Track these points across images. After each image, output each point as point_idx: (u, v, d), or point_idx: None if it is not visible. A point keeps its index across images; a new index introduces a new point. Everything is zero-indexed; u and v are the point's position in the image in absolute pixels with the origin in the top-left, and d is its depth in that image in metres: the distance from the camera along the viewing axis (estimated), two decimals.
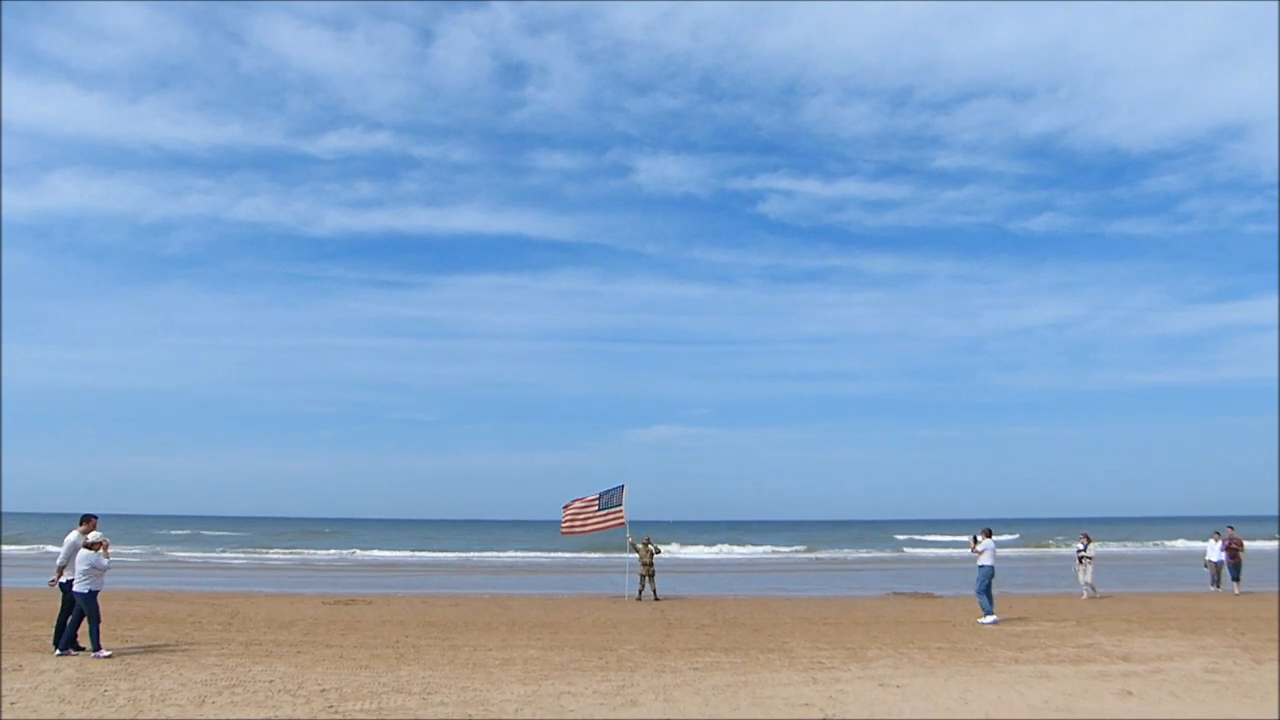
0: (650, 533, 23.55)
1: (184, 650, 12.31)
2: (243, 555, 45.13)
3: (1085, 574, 21.12)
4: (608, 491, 21.86)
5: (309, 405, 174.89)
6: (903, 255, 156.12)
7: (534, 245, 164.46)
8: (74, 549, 11.88)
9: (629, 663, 11.54)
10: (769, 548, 58.59)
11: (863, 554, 53.71)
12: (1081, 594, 20.72)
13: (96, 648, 11.50)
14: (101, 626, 11.93)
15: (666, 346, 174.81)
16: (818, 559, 48.51)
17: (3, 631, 13.80)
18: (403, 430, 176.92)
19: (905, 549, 61.22)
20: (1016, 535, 71.81)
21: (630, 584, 22.06)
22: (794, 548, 59.78)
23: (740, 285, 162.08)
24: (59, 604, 12.16)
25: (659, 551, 21.99)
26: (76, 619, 11.69)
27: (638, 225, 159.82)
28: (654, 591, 21.31)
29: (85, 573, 11.61)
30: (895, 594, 23.52)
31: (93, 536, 11.70)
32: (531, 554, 52.67)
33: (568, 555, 48.91)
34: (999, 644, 13.37)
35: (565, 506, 22.17)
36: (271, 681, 10.01)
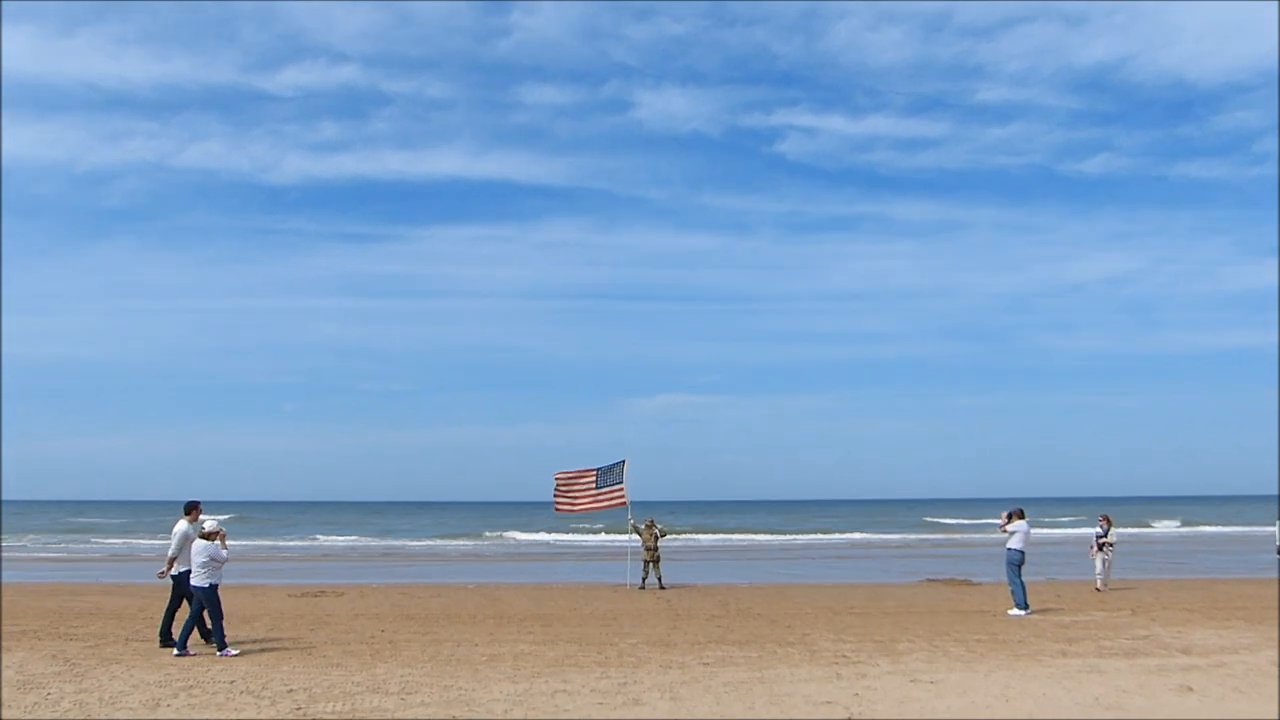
0: (654, 513, 23.60)
1: (134, 649, 12.41)
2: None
3: (1100, 562, 20.67)
4: (607, 468, 21.88)
5: (269, 375, 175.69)
6: (939, 201, 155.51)
7: (522, 191, 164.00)
8: (186, 539, 12.30)
9: (631, 658, 11.62)
10: (788, 532, 59.02)
11: (893, 537, 53.97)
12: (1097, 584, 20.46)
13: (222, 646, 11.83)
14: (46, 626, 12.20)
15: (672, 305, 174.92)
16: (842, 542, 48.81)
17: None
18: (376, 402, 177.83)
19: (940, 531, 61.55)
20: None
21: (632, 571, 22.17)
22: (815, 530, 60.23)
23: (755, 235, 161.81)
24: (168, 597, 12.71)
25: (664, 534, 22.11)
26: (196, 613, 12.03)
27: (639, 168, 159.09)
28: (659, 579, 21.45)
29: (205, 565, 11.87)
30: (929, 581, 23.76)
31: (209, 525, 12.04)
32: (521, 536, 52.97)
33: (562, 539, 49.31)
34: (1045, 636, 13.47)
35: (556, 478, 22.06)
36: (233, 682, 10.10)
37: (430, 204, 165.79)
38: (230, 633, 12.85)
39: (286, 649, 12.38)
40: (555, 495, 22.11)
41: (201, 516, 12.47)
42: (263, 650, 12.28)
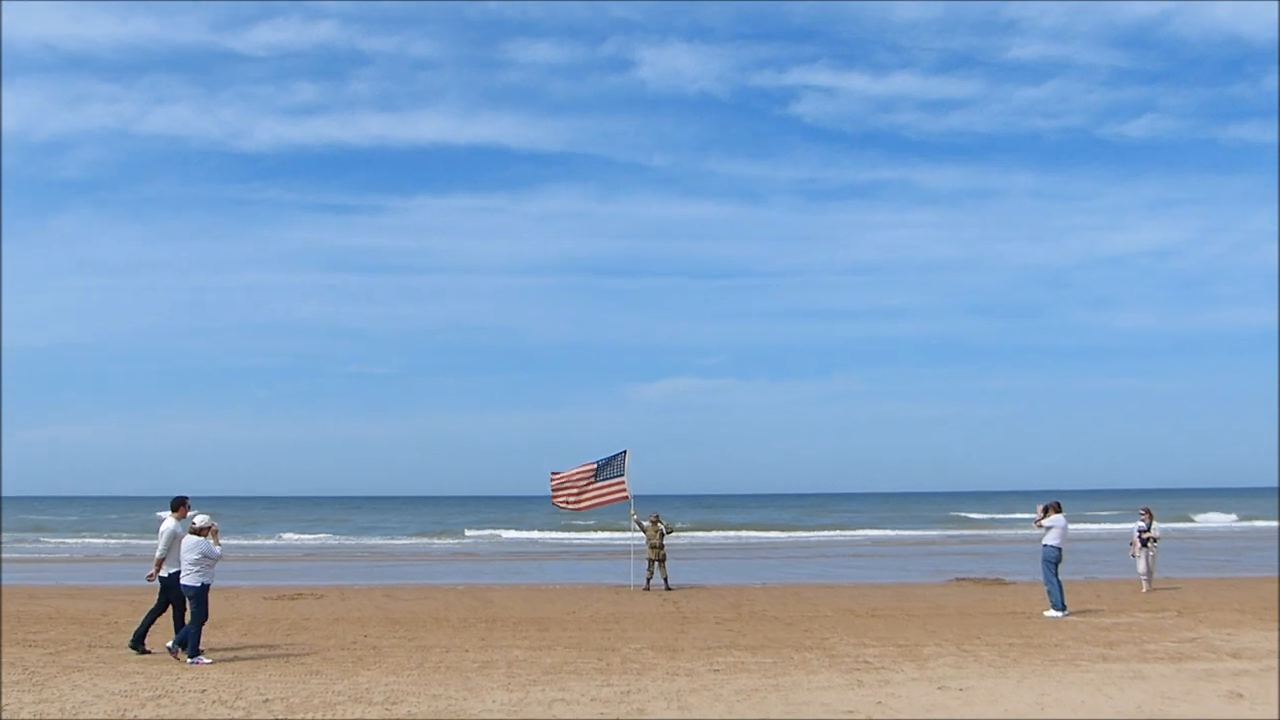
0: (659, 508, 23.72)
1: (99, 655, 12.45)
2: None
3: (1145, 560, 20.55)
4: (606, 460, 21.94)
5: (241, 358, 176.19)
6: (969, 166, 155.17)
7: (514, 158, 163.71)
8: (174, 538, 12.43)
9: (635, 664, 11.68)
10: (804, 528, 59.04)
11: (918, 533, 54.24)
12: (1142, 586, 20.44)
13: (195, 653, 11.87)
14: (3, 632, 12.29)
15: (677, 280, 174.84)
16: (863, 539, 48.94)
17: None
18: (356, 387, 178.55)
19: (969, 526, 61.75)
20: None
21: (635, 571, 22.28)
22: (833, 526, 60.37)
23: (768, 204, 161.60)
24: (154, 600, 12.81)
25: (670, 531, 22.20)
26: (197, 615, 12.05)
27: (642, 131, 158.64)
28: (665, 579, 21.55)
29: (196, 563, 11.95)
30: (958, 580, 23.99)
31: (200, 519, 12.11)
32: (515, 533, 53.25)
33: (560, 537, 49.50)
34: (1084, 639, 13.55)
35: (552, 475, 22.33)
36: (204, 691, 10.13)
37: (415, 172, 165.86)
38: (202, 639, 12.85)
39: (262, 656, 12.43)
40: (553, 490, 22.26)
41: (190, 511, 12.59)
42: (236, 658, 12.32)
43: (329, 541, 50.36)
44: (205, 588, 12.03)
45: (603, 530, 51.66)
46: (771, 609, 17.48)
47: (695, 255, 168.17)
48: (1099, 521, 62.00)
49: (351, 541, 50.13)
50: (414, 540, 51.01)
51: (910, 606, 17.75)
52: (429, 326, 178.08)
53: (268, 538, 52.29)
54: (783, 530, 57.05)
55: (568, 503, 22.13)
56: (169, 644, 12.13)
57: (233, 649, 13.04)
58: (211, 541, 12.10)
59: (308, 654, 12.59)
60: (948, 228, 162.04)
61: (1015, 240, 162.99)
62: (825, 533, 55.31)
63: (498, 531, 56.44)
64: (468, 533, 56.15)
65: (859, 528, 59.37)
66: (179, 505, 12.75)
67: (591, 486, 21.94)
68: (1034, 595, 18.80)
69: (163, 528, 12.60)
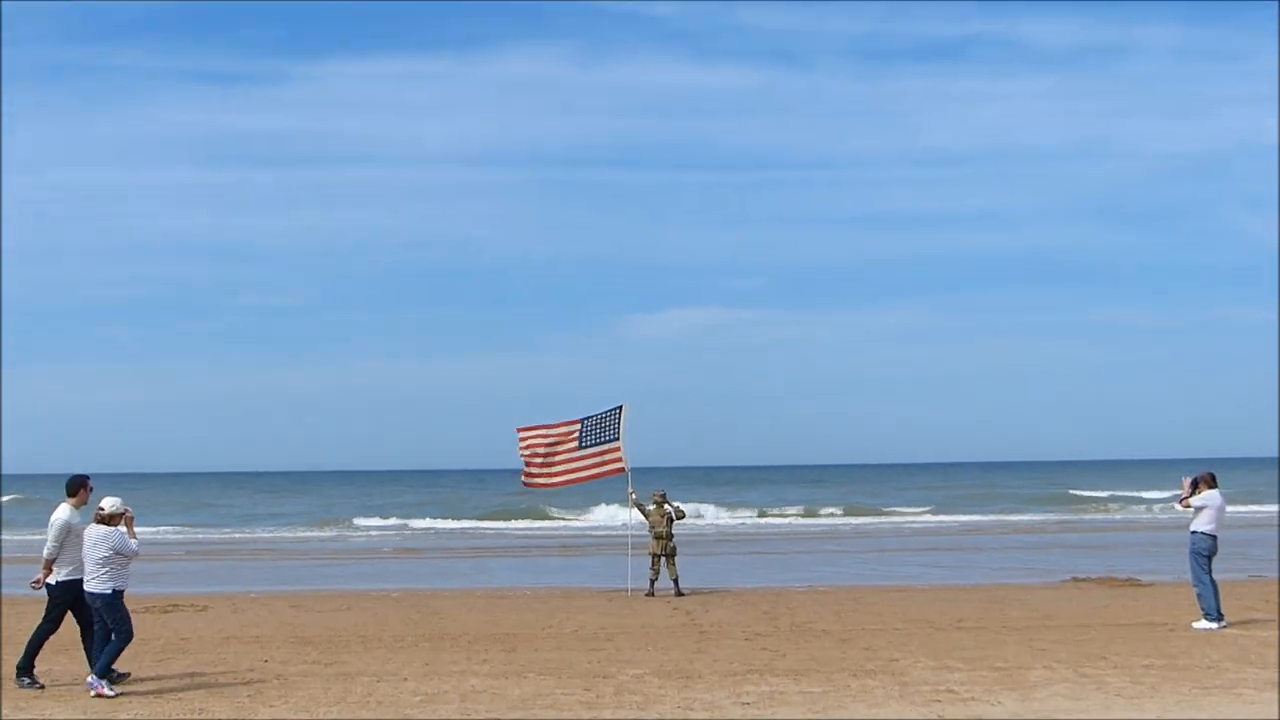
0: (666, 485, 23.58)
1: None
2: None
3: None
4: (596, 419, 22.00)
5: (92, 289, 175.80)
6: (1090, 16, 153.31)
7: (462, 5, 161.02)
8: (67, 531, 12.53)
9: (635, 697, 11.67)
10: (862, 511, 59.55)
11: (1017, 518, 54.57)
12: None
13: (105, 673, 12.05)
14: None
15: (689, 175, 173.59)
16: (942, 525, 49.49)
17: None
18: (250, 324, 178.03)
19: (1087, 508, 62.42)
20: None
21: (635, 570, 22.23)
22: (901, 507, 61.40)
23: (812, 68, 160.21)
24: (40, 614, 12.99)
25: (681, 515, 22.27)
26: (102, 632, 12.27)
27: None
28: (675, 581, 21.70)
29: (105, 562, 12.04)
30: (1075, 580, 24.11)
31: (110, 504, 12.20)
32: (469, 521, 53.84)
33: (531, 524, 50.04)
34: (1247, 659, 13.58)
35: (521, 435, 22.37)
36: None
37: (327, 25, 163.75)
38: (42, 665, 12.92)
39: (126, 692, 12.32)
40: (524, 457, 22.24)
41: (94, 498, 12.68)
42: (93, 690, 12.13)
43: (211, 535, 50.52)
44: (118, 595, 12.15)
45: (590, 514, 51.91)
46: (820, 620, 17.57)
47: (713, 140, 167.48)
48: (1264, 501, 62.25)
49: (243, 533, 50.34)
50: (329, 531, 51.19)
51: (1009, 616, 17.87)
52: (347, 242, 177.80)
53: (157, 523, 52.38)
54: (833, 513, 57.47)
55: (541, 477, 22.26)
56: (89, 677, 12.19)
57: (82, 681, 12.78)
58: (125, 533, 12.21)
59: (188, 688, 12.54)
60: (1059, 100, 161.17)
61: (1152, 117, 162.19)
62: (889, 517, 55.93)
63: (444, 518, 56.96)
64: (403, 521, 56.61)
65: (934, 510, 59.84)
66: (77, 487, 12.80)
67: (575, 455, 21.96)
68: (1178, 599, 18.86)
69: (54, 518, 12.65)
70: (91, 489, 12.89)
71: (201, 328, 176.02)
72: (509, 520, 54.04)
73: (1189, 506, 16.76)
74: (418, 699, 11.69)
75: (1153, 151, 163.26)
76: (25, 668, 12.78)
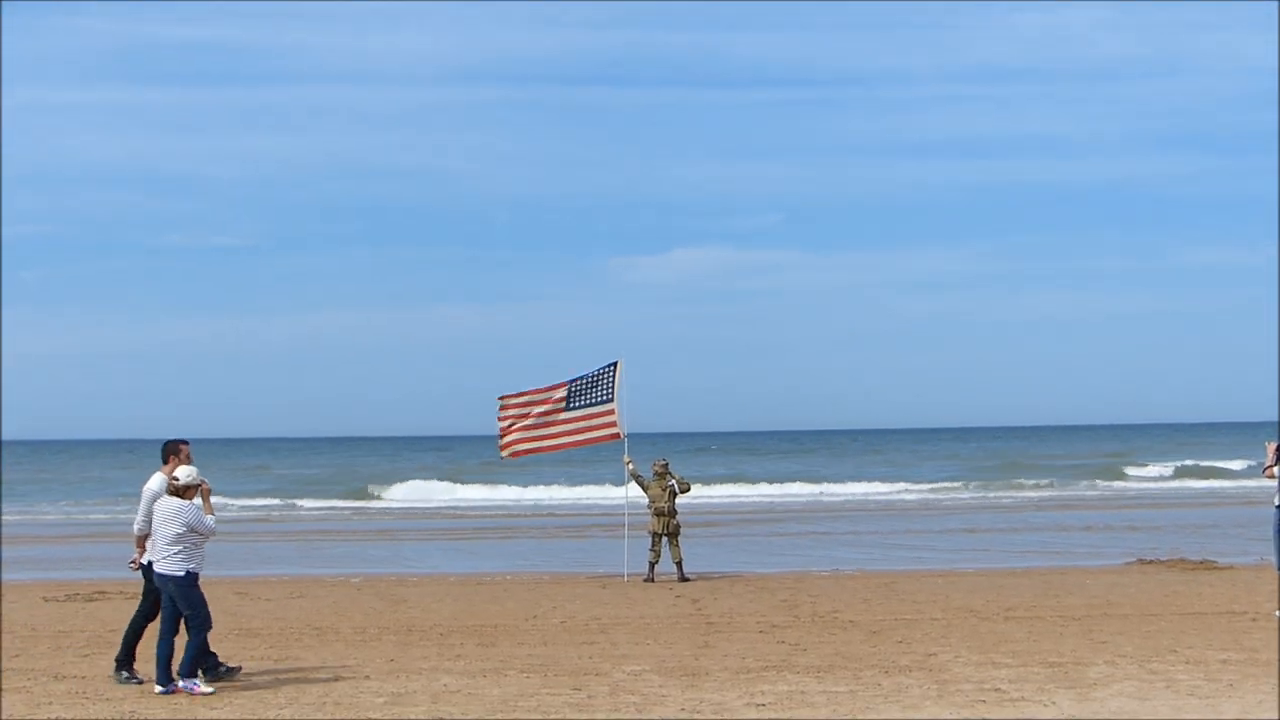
0: (668, 454, 23.62)
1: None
2: None
3: None
4: (587, 378, 21.96)
5: None
6: None
7: None
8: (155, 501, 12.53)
9: (633, 697, 11.44)
10: (895, 482, 59.04)
11: (1070, 492, 54.95)
12: None
13: (191, 672, 11.88)
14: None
15: (697, 93, 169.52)
16: (987, 502, 49.42)
17: None
18: (183, 268, 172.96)
19: (1152, 479, 63.00)
20: None
21: (633, 552, 21.85)
22: (940, 481, 61.21)
23: None
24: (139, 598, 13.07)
25: (685, 489, 21.95)
26: (171, 619, 12.06)
27: None
28: (678, 564, 21.31)
29: (178, 540, 11.83)
30: (1141, 562, 23.87)
31: (183, 474, 12.02)
32: (441, 496, 53.87)
33: (512, 498, 51.10)
34: None
35: (502, 404, 22.37)
36: None
37: None
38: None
39: (46, 692, 12.11)
40: (502, 426, 22.35)
41: (174, 466, 12.41)
42: (12, 690, 12.07)
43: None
44: (192, 577, 11.98)
45: (580, 486, 51.38)
46: (846, 609, 17.41)
47: (725, 50, 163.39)
48: None
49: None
50: (279, 503, 51.10)
51: (1065, 604, 17.61)
52: (298, 173, 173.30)
53: (49, 503, 52.01)
54: (861, 485, 57.13)
55: (525, 444, 22.31)
56: (158, 686, 11.86)
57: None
58: (201, 507, 11.98)
59: (114, 687, 12.19)
60: (1133, 8, 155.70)
61: (1237, 30, 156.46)
62: (925, 490, 55.21)
63: (414, 492, 56.70)
64: (370, 493, 56.18)
65: (976, 481, 59.69)
66: (174, 452, 12.48)
67: (562, 420, 22.00)
68: (1260, 584, 18.78)
69: (146, 487, 12.45)
70: (188, 451, 12.58)
71: (121, 271, 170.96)
72: (487, 491, 53.89)
73: (1274, 476, 16.25)
74: (381, 700, 11.49)
75: (1238, 71, 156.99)
76: (125, 660, 12.57)
